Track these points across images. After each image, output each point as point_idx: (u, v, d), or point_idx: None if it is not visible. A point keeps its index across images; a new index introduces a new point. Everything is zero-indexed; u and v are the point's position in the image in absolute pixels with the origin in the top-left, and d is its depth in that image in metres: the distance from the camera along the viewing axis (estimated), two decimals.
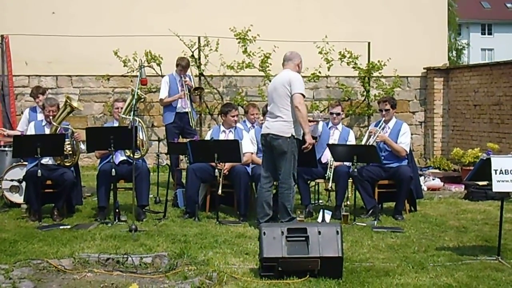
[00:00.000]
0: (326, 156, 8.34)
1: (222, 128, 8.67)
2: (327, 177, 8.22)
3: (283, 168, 7.34)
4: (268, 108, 7.58)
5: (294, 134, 7.30)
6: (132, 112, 7.57)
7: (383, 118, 8.43)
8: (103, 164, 8.14)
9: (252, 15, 13.10)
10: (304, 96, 7.34)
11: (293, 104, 7.25)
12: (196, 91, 10.37)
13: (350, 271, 5.67)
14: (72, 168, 8.15)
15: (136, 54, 12.58)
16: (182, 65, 10.14)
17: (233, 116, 8.58)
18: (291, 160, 7.33)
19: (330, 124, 8.68)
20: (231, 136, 8.50)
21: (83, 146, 8.14)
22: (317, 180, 8.72)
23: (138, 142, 7.96)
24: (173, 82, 10.13)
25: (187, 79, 10.18)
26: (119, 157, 8.19)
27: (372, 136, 8.31)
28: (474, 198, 9.55)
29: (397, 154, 8.24)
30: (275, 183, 7.79)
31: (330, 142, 8.35)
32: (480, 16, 52.68)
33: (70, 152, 8.06)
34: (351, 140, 8.63)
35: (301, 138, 7.39)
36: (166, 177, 9.12)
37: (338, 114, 8.66)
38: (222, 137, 8.51)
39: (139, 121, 8.18)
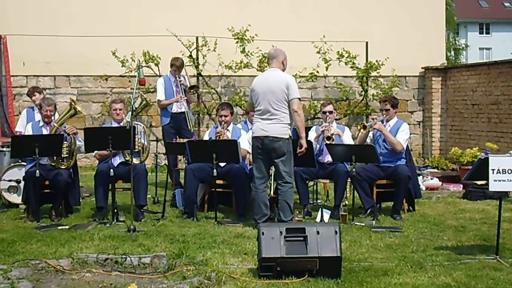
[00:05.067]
0: (327, 157, 8.33)
1: (220, 127, 8.65)
2: None
3: (284, 168, 7.34)
4: (259, 107, 7.42)
5: (290, 135, 7.38)
6: (131, 113, 7.57)
7: (384, 118, 8.43)
8: (101, 165, 8.14)
9: (250, 15, 13.10)
10: (299, 100, 7.43)
11: (292, 108, 7.28)
12: (191, 90, 10.38)
13: (349, 270, 5.67)
14: (71, 169, 8.15)
15: (134, 54, 12.57)
16: (177, 65, 10.15)
17: (221, 116, 8.57)
18: (291, 159, 7.39)
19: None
20: (227, 135, 8.49)
21: (80, 143, 8.12)
22: (316, 180, 8.73)
23: (139, 146, 7.98)
24: (168, 83, 10.15)
25: (182, 79, 10.19)
26: (118, 160, 8.19)
27: (371, 122, 8.38)
28: (473, 197, 9.55)
29: (393, 147, 8.22)
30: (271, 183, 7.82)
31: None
32: (478, 15, 52.74)
33: (67, 155, 8.05)
34: (347, 136, 8.59)
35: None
36: (165, 177, 9.13)
37: (331, 112, 8.53)
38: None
39: (143, 126, 8.23)
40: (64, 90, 13.06)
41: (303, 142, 7.46)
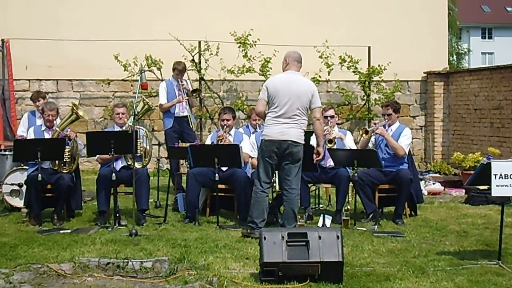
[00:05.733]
0: (329, 161, 8.33)
1: (221, 131, 8.64)
2: None
3: (294, 174, 7.27)
4: (276, 109, 7.18)
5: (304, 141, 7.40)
6: (133, 117, 7.59)
7: (386, 122, 8.43)
8: (103, 169, 8.14)
9: (252, 20, 13.12)
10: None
11: (315, 116, 7.30)
12: (194, 93, 10.39)
13: (351, 275, 5.66)
14: (73, 173, 8.15)
15: (136, 58, 12.60)
16: (179, 69, 10.15)
17: (223, 120, 8.57)
18: (301, 166, 7.36)
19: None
20: (229, 139, 8.48)
21: (81, 147, 8.14)
22: (318, 184, 8.73)
23: (141, 150, 7.99)
24: (170, 87, 10.14)
25: (184, 82, 10.20)
26: (120, 164, 8.20)
27: (373, 127, 8.39)
28: (475, 202, 9.53)
29: (395, 152, 8.22)
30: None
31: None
32: (481, 20, 52.75)
33: (69, 159, 8.05)
34: (349, 141, 8.60)
35: None
36: (167, 182, 9.12)
37: (333, 116, 8.57)
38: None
39: (145, 130, 8.25)
40: (66, 94, 13.09)
41: (321, 150, 7.50)
